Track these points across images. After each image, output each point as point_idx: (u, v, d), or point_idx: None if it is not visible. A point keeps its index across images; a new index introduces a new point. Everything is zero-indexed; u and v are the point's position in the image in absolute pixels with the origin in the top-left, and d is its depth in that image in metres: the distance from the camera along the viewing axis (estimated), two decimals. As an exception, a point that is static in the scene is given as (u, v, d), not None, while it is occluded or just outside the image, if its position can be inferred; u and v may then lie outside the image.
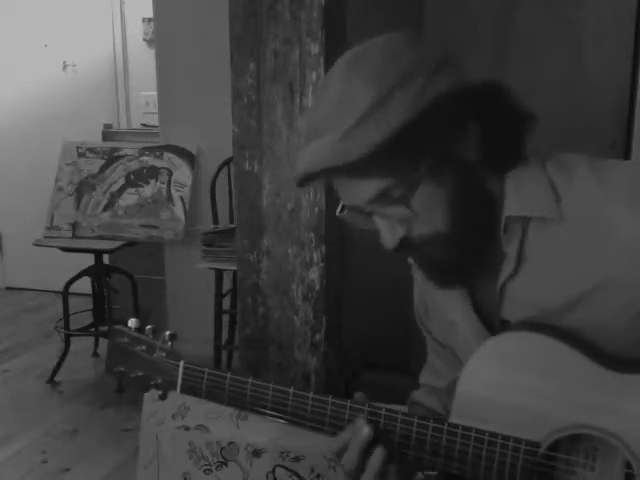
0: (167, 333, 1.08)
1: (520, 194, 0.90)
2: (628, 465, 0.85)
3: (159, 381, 1.07)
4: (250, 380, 1.00)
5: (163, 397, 1.08)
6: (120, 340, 1.10)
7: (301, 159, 0.90)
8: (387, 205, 0.88)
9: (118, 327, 1.12)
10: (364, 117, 0.83)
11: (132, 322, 1.11)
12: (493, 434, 0.88)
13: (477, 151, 0.89)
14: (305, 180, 0.90)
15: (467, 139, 0.88)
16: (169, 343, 1.08)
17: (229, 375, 1.02)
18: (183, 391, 1.05)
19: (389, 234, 0.90)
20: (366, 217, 0.91)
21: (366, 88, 0.84)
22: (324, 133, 0.86)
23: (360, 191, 0.88)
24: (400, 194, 0.86)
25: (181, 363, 1.05)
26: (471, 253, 0.92)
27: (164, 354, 1.07)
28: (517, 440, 0.87)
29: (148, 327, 1.10)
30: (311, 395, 0.97)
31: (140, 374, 1.08)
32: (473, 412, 0.91)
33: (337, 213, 0.95)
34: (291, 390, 0.98)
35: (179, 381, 1.05)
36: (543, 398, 0.87)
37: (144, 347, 1.08)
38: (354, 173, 0.87)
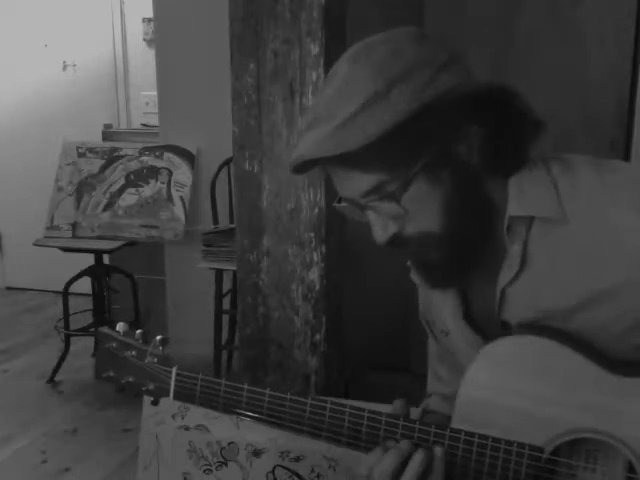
0: (158, 338, 1.04)
1: (524, 195, 0.89)
2: (629, 467, 0.85)
3: (151, 387, 1.04)
4: (246, 386, 0.97)
5: (155, 403, 1.05)
6: (109, 345, 1.07)
7: (298, 146, 0.89)
8: (380, 200, 0.87)
9: (106, 331, 1.08)
10: (363, 108, 0.82)
11: (120, 326, 1.07)
12: (496, 439, 0.87)
13: (478, 154, 0.87)
14: (300, 167, 0.89)
15: (469, 141, 0.87)
16: (160, 348, 1.04)
17: (224, 382, 0.99)
18: (176, 398, 1.02)
19: (381, 229, 0.90)
20: (361, 210, 0.90)
21: (368, 79, 0.84)
22: (323, 121, 0.85)
23: (355, 184, 0.88)
24: (393, 190, 0.86)
25: (173, 369, 1.02)
26: (465, 255, 0.90)
27: (155, 360, 1.03)
28: (520, 445, 0.87)
29: (138, 332, 1.06)
30: (309, 401, 0.94)
31: (131, 380, 1.05)
32: (475, 416, 0.90)
33: (334, 204, 0.94)
34: (288, 396, 0.96)
35: (172, 388, 1.02)
36: (545, 401, 0.87)
37: (134, 352, 1.05)
38: (350, 165, 0.86)
